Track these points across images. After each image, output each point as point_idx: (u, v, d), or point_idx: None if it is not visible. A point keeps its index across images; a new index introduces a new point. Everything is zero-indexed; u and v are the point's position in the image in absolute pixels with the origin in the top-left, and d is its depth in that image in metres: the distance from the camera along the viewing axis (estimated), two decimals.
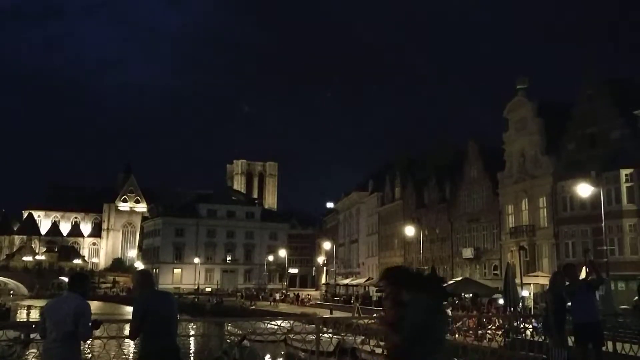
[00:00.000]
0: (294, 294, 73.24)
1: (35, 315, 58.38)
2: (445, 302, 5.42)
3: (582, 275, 15.49)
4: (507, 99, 46.69)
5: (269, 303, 65.11)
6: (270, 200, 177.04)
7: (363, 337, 13.80)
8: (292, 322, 13.07)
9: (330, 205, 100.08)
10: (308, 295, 72.26)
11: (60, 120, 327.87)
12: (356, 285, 66.32)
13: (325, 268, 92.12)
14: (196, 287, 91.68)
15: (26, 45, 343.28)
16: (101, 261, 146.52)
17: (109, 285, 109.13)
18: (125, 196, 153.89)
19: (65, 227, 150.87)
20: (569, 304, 9.39)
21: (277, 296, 71.74)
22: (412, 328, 4.37)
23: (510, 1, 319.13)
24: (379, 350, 9.87)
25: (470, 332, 17.24)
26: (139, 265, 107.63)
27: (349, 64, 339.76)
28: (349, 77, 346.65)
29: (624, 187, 34.26)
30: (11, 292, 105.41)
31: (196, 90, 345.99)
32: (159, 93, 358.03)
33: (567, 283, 9.54)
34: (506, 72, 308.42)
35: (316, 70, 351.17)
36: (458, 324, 23.55)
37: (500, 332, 16.16)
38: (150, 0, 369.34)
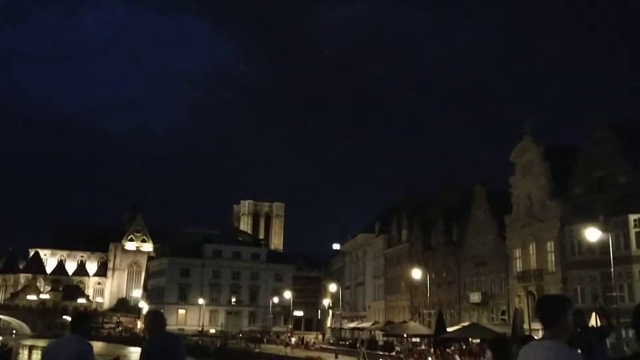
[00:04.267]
0: (298, 337, 71.94)
1: (37, 356, 57.74)
2: None
3: (592, 322, 15.26)
4: (512, 141, 47.03)
5: (276, 346, 63.77)
6: (277, 241, 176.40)
7: None
8: None
9: (336, 246, 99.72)
10: (315, 337, 71.05)
11: (68, 160, 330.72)
12: (362, 329, 65.35)
13: (330, 311, 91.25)
14: (200, 329, 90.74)
15: (33, 86, 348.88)
16: (106, 301, 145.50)
17: (112, 325, 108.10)
18: (131, 235, 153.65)
19: (70, 266, 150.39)
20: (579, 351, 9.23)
21: (293, 340, 65.36)
22: None
23: (513, 40, 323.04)
24: None
25: None
26: (144, 305, 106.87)
27: (354, 106, 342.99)
28: (355, 119, 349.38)
29: (633, 232, 33.98)
30: (14, 331, 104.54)
31: (204, 131, 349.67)
32: (167, 133, 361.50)
33: (578, 330, 9.39)
34: (508, 109, 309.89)
35: (324, 113, 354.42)
36: None
37: None
38: (161, 41, 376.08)
